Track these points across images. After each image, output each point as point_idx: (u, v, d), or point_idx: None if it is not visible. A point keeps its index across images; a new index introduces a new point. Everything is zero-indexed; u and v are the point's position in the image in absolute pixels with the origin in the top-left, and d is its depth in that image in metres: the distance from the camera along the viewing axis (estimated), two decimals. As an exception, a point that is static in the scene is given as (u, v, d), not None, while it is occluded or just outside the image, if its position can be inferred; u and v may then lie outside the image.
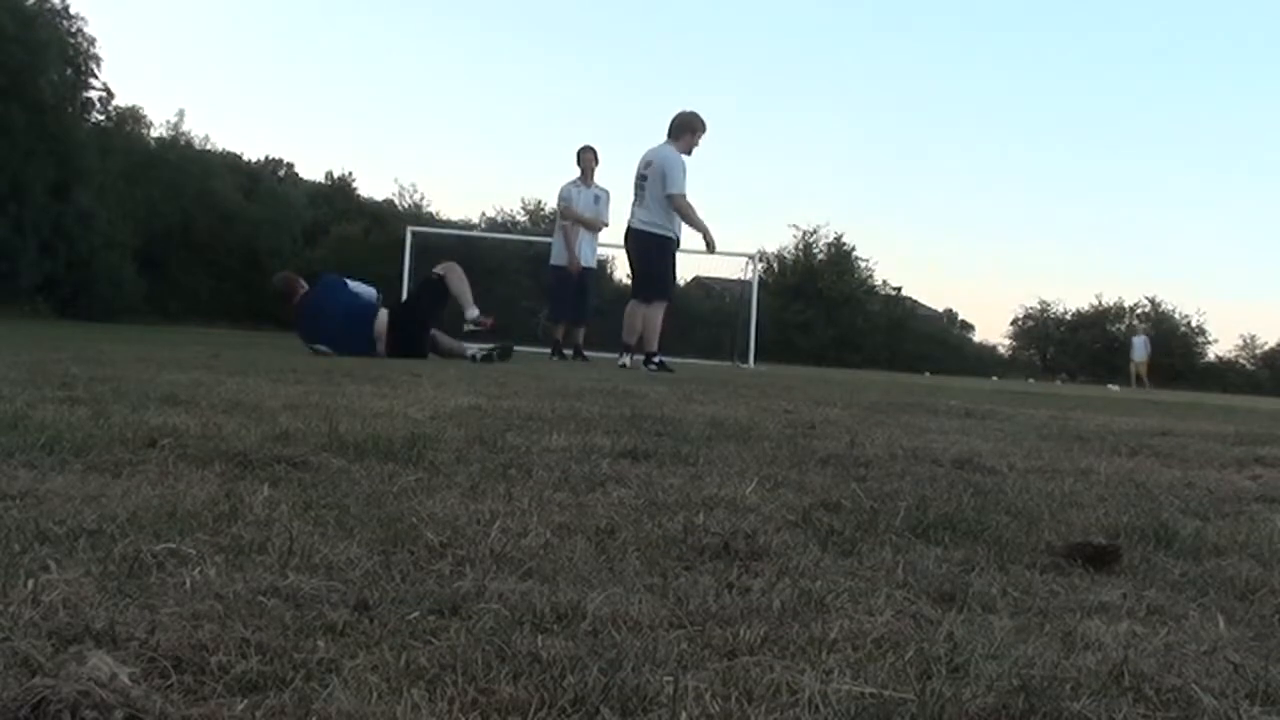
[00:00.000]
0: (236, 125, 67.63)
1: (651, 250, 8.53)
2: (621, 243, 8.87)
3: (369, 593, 1.05)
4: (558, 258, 10.31)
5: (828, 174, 65.71)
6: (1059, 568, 1.38)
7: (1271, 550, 1.55)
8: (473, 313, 7.71)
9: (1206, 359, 45.02)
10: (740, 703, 0.82)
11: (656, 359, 8.41)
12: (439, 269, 7.87)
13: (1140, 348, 27.43)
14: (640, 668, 0.88)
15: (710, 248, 8.80)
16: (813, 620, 1.05)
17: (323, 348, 7.08)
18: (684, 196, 8.41)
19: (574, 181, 10.37)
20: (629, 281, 9.09)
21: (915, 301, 46.84)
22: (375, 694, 0.79)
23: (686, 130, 8.49)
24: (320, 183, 41.59)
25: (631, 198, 8.54)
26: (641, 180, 8.42)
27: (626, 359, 8.37)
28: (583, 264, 10.14)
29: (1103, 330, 45.59)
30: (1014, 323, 48.31)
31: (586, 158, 10.39)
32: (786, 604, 1.11)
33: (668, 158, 8.43)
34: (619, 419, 3.02)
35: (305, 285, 7.72)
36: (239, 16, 62.77)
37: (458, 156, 65.08)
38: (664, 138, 8.54)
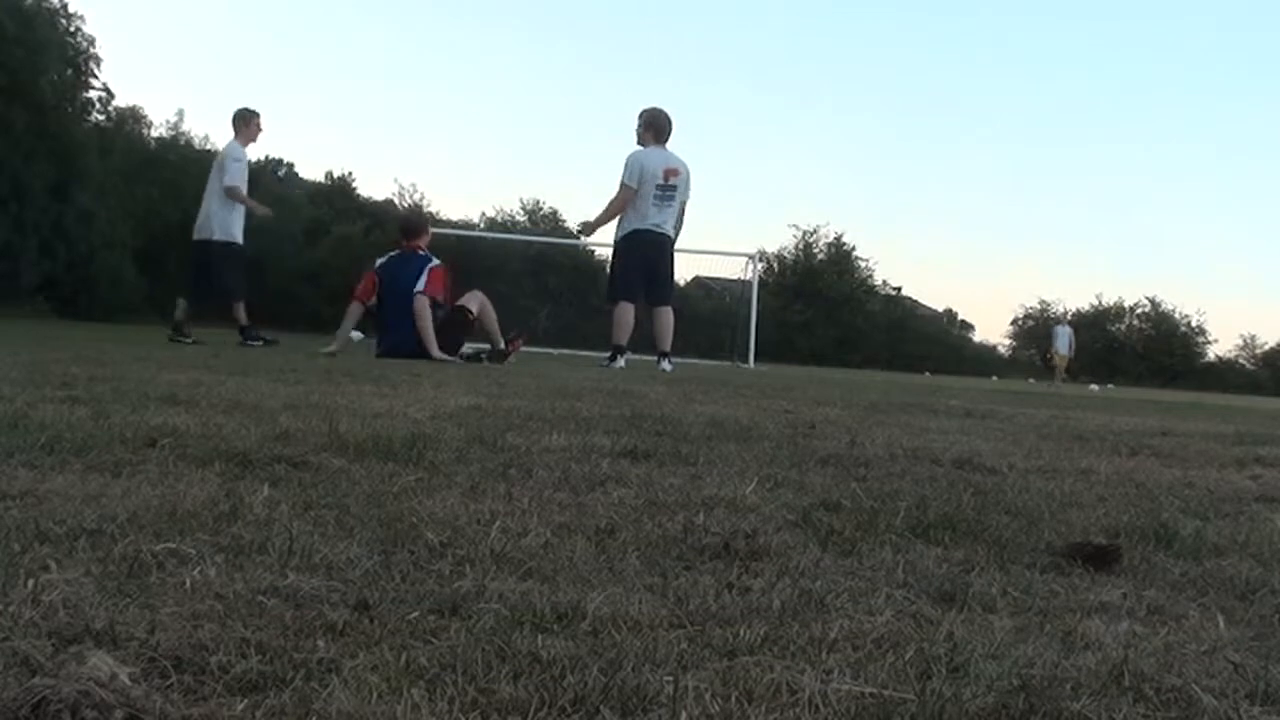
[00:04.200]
0: (236, 125, 67.60)
1: (672, 259, 8.64)
2: (635, 246, 8.49)
3: (369, 592, 1.05)
4: (232, 232, 8.97)
5: (828, 174, 65.84)
6: (1059, 568, 1.38)
7: (1271, 550, 1.55)
8: (500, 343, 7.85)
9: (1206, 359, 45.02)
10: (740, 703, 0.82)
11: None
12: (471, 305, 7.82)
13: (1063, 339, 25.68)
14: (640, 668, 0.88)
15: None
16: (813, 620, 1.05)
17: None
18: None
19: (238, 142, 9.20)
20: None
21: (915, 301, 46.85)
22: (375, 694, 0.79)
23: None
24: (320, 183, 41.61)
25: (650, 203, 8.27)
26: (670, 189, 8.27)
27: (667, 364, 8.42)
28: (224, 238, 8.92)
29: (1103, 330, 45.57)
30: (1014, 323, 48.29)
31: (257, 122, 9.23)
32: (786, 604, 1.11)
33: (689, 169, 8.41)
34: (619, 419, 3.02)
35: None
36: (239, 16, 62.85)
37: (458, 156, 65.19)
38: (643, 137, 8.37)
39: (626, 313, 8.40)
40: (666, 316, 8.55)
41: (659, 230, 8.33)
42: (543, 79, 66.19)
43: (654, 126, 8.39)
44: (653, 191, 8.25)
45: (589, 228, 9.03)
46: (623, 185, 8.27)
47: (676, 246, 8.68)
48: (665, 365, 8.39)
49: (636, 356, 9.09)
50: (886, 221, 64.32)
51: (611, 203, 8.42)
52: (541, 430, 2.57)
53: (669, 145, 8.47)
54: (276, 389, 3.44)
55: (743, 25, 69.34)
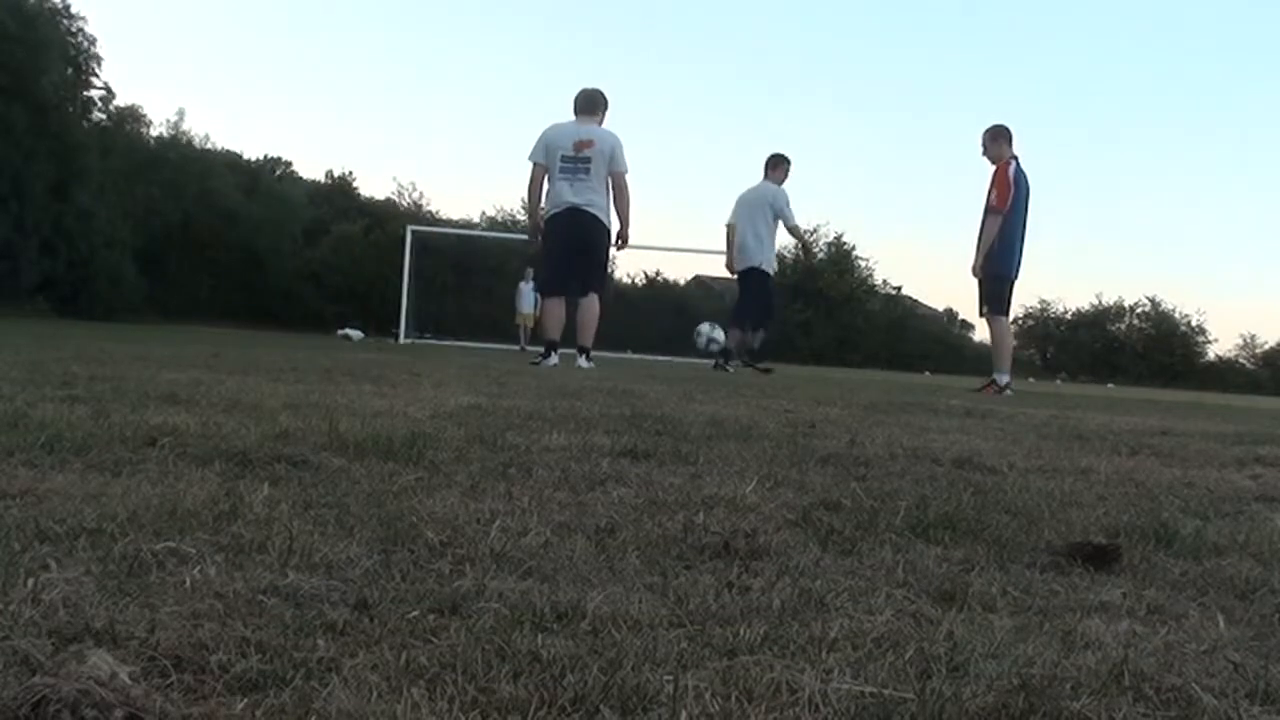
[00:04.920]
0: (236, 124, 67.88)
1: (605, 238, 7.95)
2: (552, 232, 7.91)
3: (369, 592, 1.05)
4: None
5: (828, 174, 65.81)
6: (1059, 567, 1.38)
7: (1271, 550, 1.55)
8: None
9: (1206, 359, 45.05)
10: (740, 702, 0.82)
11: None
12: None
13: None
14: (640, 667, 0.87)
15: (624, 242, 8.15)
16: (813, 619, 1.05)
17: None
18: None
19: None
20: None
21: (915, 301, 46.91)
22: (375, 693, 0.79)
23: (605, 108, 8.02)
24: (320, 182, 41.66)
25: (560, 181, 7.71)
26: (584, 162, 7.68)
27: (583, 361, 7.80)
28: None
29: (1103, 330, 45.59)
30: (1014, 322, 48.36)
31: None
32: (786, 603, 1.11)
33: (615, 138, 7.83)
34: (619, 418, 3.02)
35: None
36: (239, 16, 62.86)
37: (458, 156, 65.21)
38: (574, 115, 7.88)
39: (548, 307, 8.09)
40: (587, 307, 7.85)
41: (586, 210, 7.73)
42: (543, 78, 66.16)
43: (576, 103, 8.00)
44: (559, 164, 7.72)
45: (530, 225, 8.59)
46: (530, 161, 7.86)
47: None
48: (581, 362, 7.74)
49: (610, 354, 8.88)
50: (886, 221, 64.40)
51: (528, 186, 8.01)
52: (541, 429, 2.57)
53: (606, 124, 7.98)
54: (276, 388, 3.44)
55: (743, 24, 69.36)
